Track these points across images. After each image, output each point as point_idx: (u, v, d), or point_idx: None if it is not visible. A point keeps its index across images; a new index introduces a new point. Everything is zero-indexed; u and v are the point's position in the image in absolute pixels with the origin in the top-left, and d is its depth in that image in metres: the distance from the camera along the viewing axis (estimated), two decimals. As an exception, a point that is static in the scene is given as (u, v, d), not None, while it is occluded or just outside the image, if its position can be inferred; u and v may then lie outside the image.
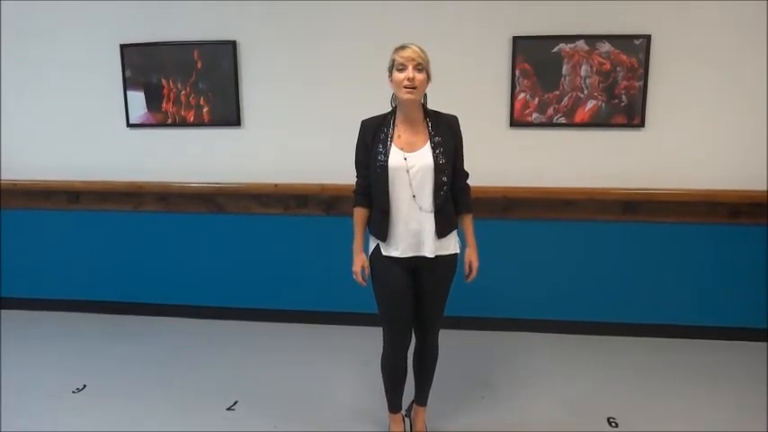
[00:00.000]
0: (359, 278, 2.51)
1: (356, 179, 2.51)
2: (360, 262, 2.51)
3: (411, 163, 2.33)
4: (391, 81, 2.33)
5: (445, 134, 2.38)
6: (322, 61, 3.69)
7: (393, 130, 2.38)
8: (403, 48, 2.29)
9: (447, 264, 2.46)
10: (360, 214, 2.52)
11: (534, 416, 2.91)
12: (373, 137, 2.39)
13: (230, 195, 3.89)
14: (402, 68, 2.27)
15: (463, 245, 2.54)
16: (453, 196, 2.47)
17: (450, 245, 2.45)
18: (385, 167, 2.34)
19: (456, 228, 2.48)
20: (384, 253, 2.43)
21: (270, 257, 3.96)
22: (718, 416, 2.89)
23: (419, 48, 2.29)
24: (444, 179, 2.35)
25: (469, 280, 2.56)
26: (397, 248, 2.40)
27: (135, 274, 4.12)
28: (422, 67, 2.28)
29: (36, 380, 3.27)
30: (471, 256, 2.54)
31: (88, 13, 3.82)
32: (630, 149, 3.57)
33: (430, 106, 2.44)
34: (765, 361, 3.43)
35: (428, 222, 2.37)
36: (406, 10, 3.56)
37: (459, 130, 2.44)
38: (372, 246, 2.49)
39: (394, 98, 2.40)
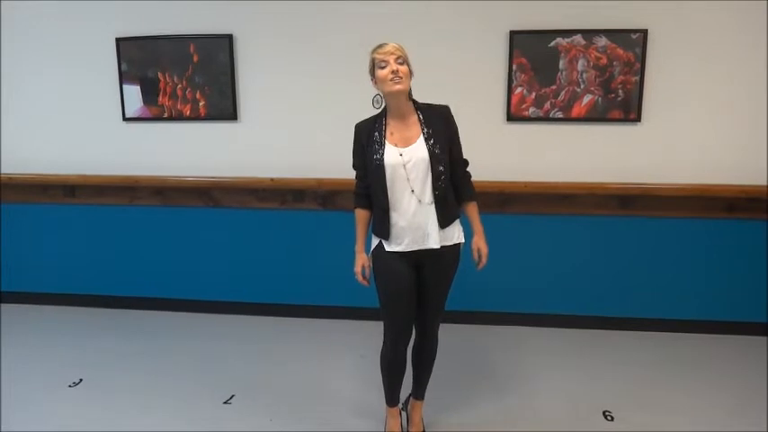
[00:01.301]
0: (359, 278, 2.53)
1: (355, 183, 2.53)
2: (360, 262, 2.52)
3: (407, 158, 2.34)
4: (375, 81, 2.36)
5: (438, 124, 2.39)
6: (319, 55, 3.68)
7: (385, 128, 2.39)
8: (380, 46, 2.33)
9: (451, 254, 2.46)
10: (360, 215, 2.54)
11: (530, 409, 2.92)
12: (367, 138, 2.40)
13: (226, 189, 3.88)
14: (384, 65, 2.29)
15: (469, 233, 2.52)
16: (454, 185, 2.47)
17: (454, 235, 2.45)
18: (381, 166, 2.34)
19: (458, 217, 2.48)
20: (387, 249, 2.43)
21: (266, 252, 3.96)
22: (715, 410, 2.90)
23: (396, 43, 2.33)
24: (441, 169, 2.36)
25: (480, 267, 2.52)
26: (401, 243, 2.40)
27: (130, 268, 4.11)
28: (402, 60, 2.31)
29: (32, 373, 3.27)
30: (479, 243, 2.51)
31: (84, 6, 3.79)
32: (627, 144, 3.57)
33: (428, 100, 2.44)
34: (765, 355, 3.44)
35: (430, 214, 2.37)
36: (404, 5, 3.55)
37: (452, 119, 2.44)
38: (375, 243, 2.49)
39: (377, 100, 2.42)
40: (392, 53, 2.29)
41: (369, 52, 2.36)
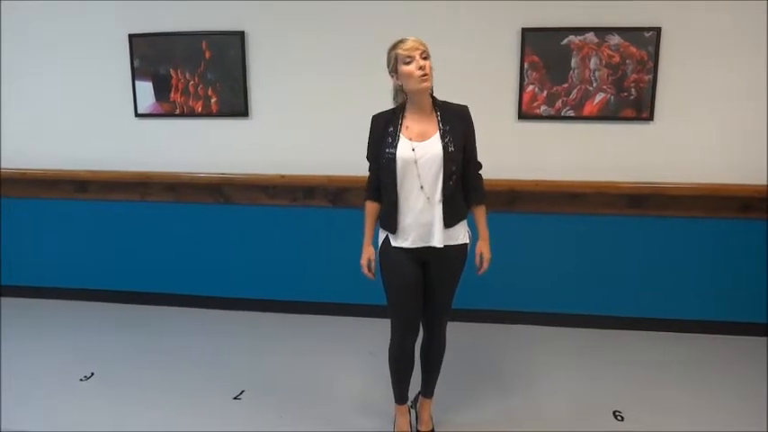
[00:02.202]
0: (365, 270, 2.54)
1: (369, 173, 2.53)
2: (367, 255, 2.54)
3: (420, 153, 2.33)
4: (396, 77, 2.33)
5: (455, 123, 2.38)
6: (330, 53, 3.69)
7: (402, 122, 2.38)
8: (403, 41, 2.30)
9: (456, 254, 2.46)
10: (371, 208, 2.54)
11: (540, 409, 2.92)
12: (383, 130, 2.39)
13: (237, 186, 3.89)
14: (409, 60, 2.27)
15: (475, 236, 2.53)
16: (465, 186, 2.46)
17: (459, 235, 2.45)
18: (393, 159, 2.34)
19: (465, 218, 2.48)
20: (393, 244, 2.43)
21: (276, 248, 3.97)
22: (721, 410, 2.89)
23: (417, 38, 2.30)
24: (454, 168, 2.35)
25: (481, 272, 2.56)
26: (407, 239, 2.41)
27: (142, 264, 4.14)
28: (427, 54, 2.29)
29: (44, 368, 3.30)
30: (483, 248, 2.54)
31: (98, 3, 3.81)
32: (639, 143, 3.55)
33: (440, 98, 2.43)
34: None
35: (437, 213, 2.37)
36: (415, 3, 3.54)
37: (470, 119, 2.44)
38: (382, 237, 2.49)
39: (397, 96, 2.41)
40: (417, 48, 2.27)
41: (388, 48, 2.33)
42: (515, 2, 3.48)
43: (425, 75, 2.27)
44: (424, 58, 2.28)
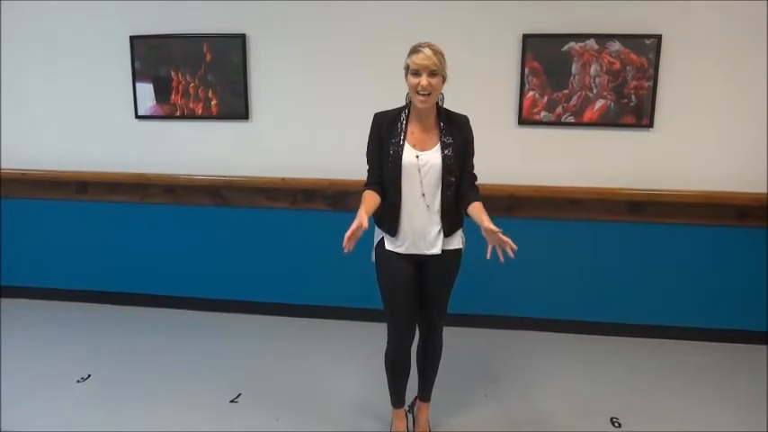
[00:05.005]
0: (348, 235, 2.15)
1: (367, 171, 2.48)
2: (359, 220, 2.16)
3: (423, 161, 2.34)
4: (407, 81, 2.32)
5: (456, 135, 2.38)
6: (331, 56, 3.69)
7: (406, 126, 2.38)
8: (417, 52, 2.25)
9: (451, 258, 2.47)
10: (370, 195, 2.37)
11: (537, 414, 2.91)
12: (387, 131, 2.38)
13: (237, 188, 3.90)
14: (416, 74, 2.25)
15: (469, 239, 2.52)
16: (460, 194, 2.44)
17: (455, 240, 2.46)
18: (398, 164, 2.34)
19: (461, 226, 2.48)
20: (387, 247, 2.44)
21: (276, 251, 3.96)
22: (719, 417, 2.89)
23: (433, 51, 2.24)
24: (452, 179, 2.36)
25: (503, 239, 2.23)
26: (402, 245, 2.41)
27: (140, 266, 4.13)
28: (436, 71, 2.25)
29: (42, 368, 3.30)
30: (493, 235, 2.21)
31: (99, 4, 3.82)
32: (638, 150, 3.55)
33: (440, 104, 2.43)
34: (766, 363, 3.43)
35: (435, 221, 2.38)
36: (417, 6, 3.55)
37: (470, 131, 2.43)
38: (377, 238, 2.49)
39: (408, 95, 2.39)
40: (426, 66, 2.22)
41: (408, 48, 2.30)
42: (517, 8, 3.49)
43: (425, 95, 2.24)
44: (432, 75, 2.24)
